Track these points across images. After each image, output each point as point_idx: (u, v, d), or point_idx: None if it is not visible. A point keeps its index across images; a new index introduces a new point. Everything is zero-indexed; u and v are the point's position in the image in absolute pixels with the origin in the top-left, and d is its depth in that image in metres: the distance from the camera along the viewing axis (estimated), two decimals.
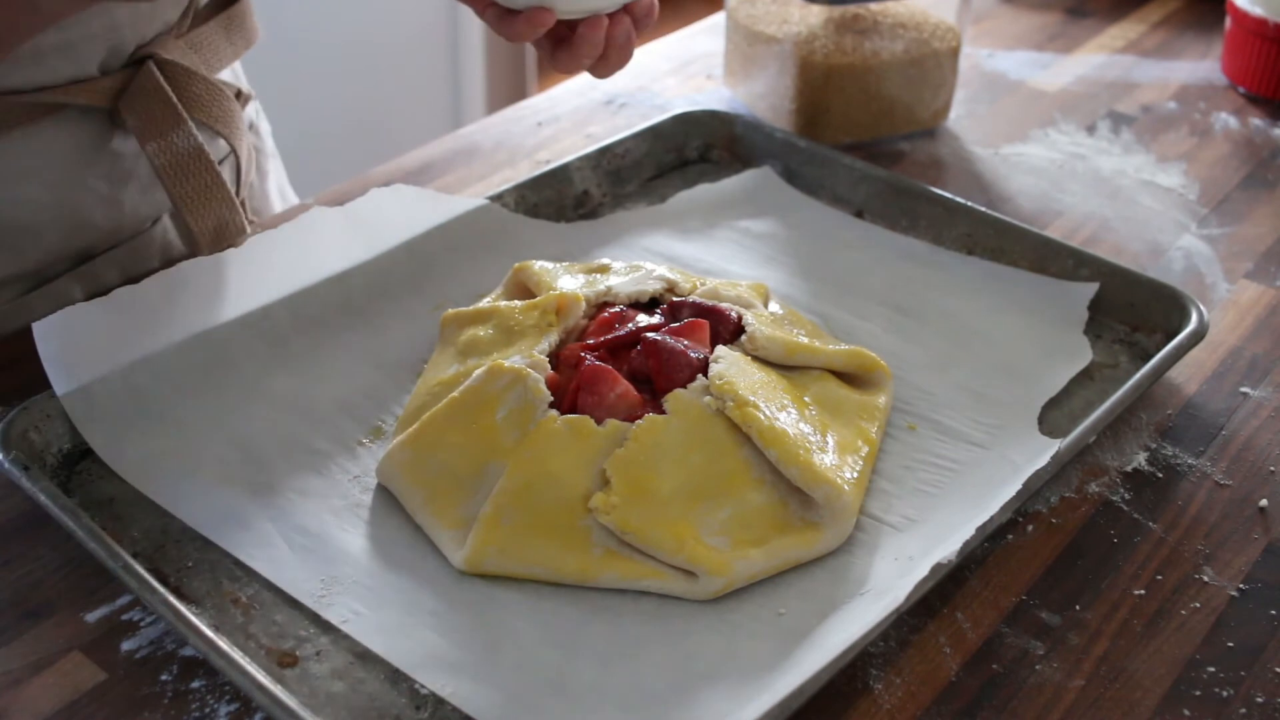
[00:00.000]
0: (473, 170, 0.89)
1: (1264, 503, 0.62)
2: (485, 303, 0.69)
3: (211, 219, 0.72)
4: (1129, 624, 0.56)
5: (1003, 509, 0.55)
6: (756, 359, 0.62)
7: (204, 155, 0.71)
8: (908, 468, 0.62)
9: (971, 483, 0.61)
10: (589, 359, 0.61)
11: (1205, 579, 0.58)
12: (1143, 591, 0.57)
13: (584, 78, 1.02)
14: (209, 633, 0.50)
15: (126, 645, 0.53)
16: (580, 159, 0.83)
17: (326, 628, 0.53)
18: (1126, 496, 0.62)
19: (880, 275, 0.76)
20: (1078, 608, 0.56)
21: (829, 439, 0.60)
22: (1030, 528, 0.60)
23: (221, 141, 0.75)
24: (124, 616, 0.54)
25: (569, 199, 0.82)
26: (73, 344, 0.62)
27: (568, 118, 0.96)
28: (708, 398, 0.58)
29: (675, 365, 0.60)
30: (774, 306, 0.69)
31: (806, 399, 0.62)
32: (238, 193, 0.77)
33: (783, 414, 0.59)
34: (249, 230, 0.74)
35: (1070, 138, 0.96)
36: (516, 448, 0.57)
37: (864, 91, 0.90)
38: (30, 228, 0.71)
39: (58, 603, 0.55)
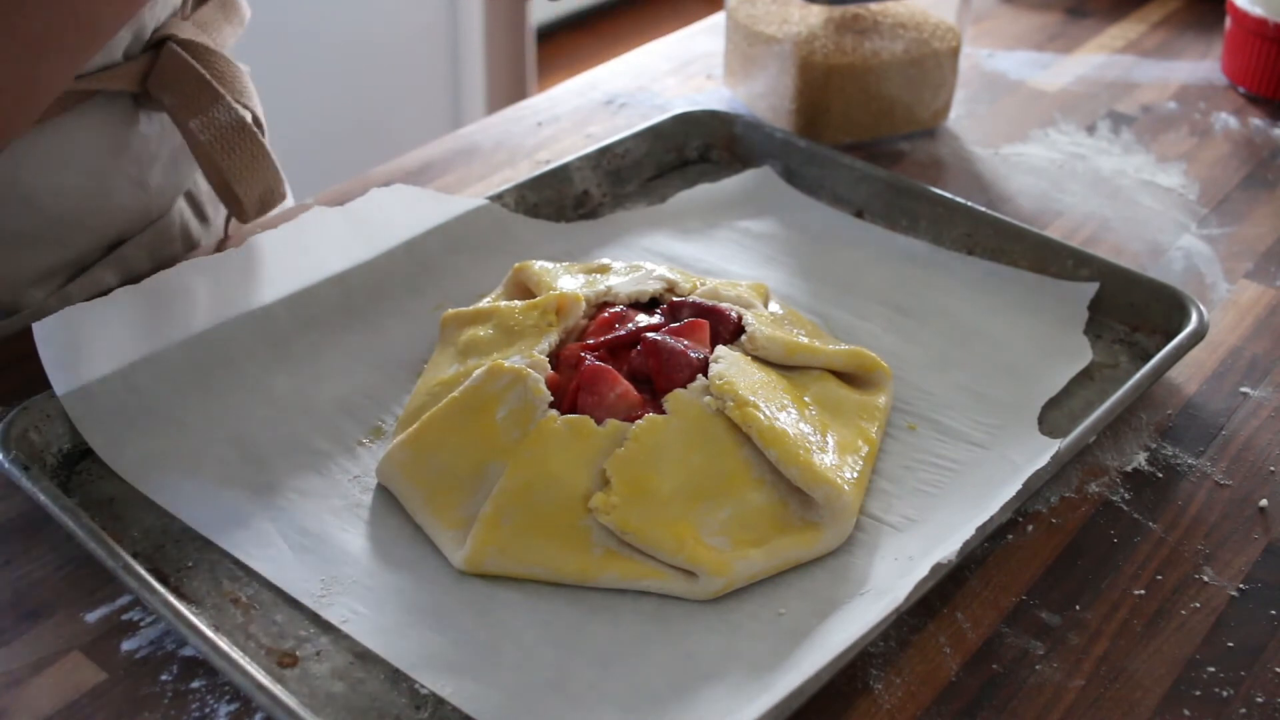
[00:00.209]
0: (473, 170, 0.89)
1: (1264, 503, 0.62)
2: (485, 303, 0.69)
3: (258, 188, 0.73)
4: (1129, 624, 0.56)
5: (1003, 509, 0.55)
6: (756, 359, 0.62)
7: (247, 126, 0.72)
8: (908, 468, 0.62)
9: (971, 483, 0.61)
10: (589, 359, 0.61)
11: (1205, 579, 0.58)
12: (1143, 591, 0.57)
13: (584, 77, 1.02)
14: (209, 633, 0.50)
15: (126, 645, 0.53)
16: (580, 159, 0.83)
17: (326, 628, 0.53)
18: (1126, 496, 0.62)
19: (880, 275, 0.76)
20: (1078, 608, 0.56)
21: (829, 439, 0.60)
22: (1030, 528, 0.60)
23: (245, 113, 0.77)
24: (124, 616, 0.54)
25: (569, 199, 0.82)
26: (73, 344, 0.62)
27: (568, 118, 0.96)
28: (708, 398, 0.58)
29: (675, 365, 0.60)
30: (774, 306, 0.69)
31: (806, 399, 0.62)
32: None
33: (783, 414, 0.59)
34: (289, 197, 0.75)
35: (1070, 138, 0.96)
36: (516, 448, 0.57)
37: (864, 91, 0.91)
38: (70, 217, 0.72)
39: (58, 603, 0.55)
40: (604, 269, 0.70)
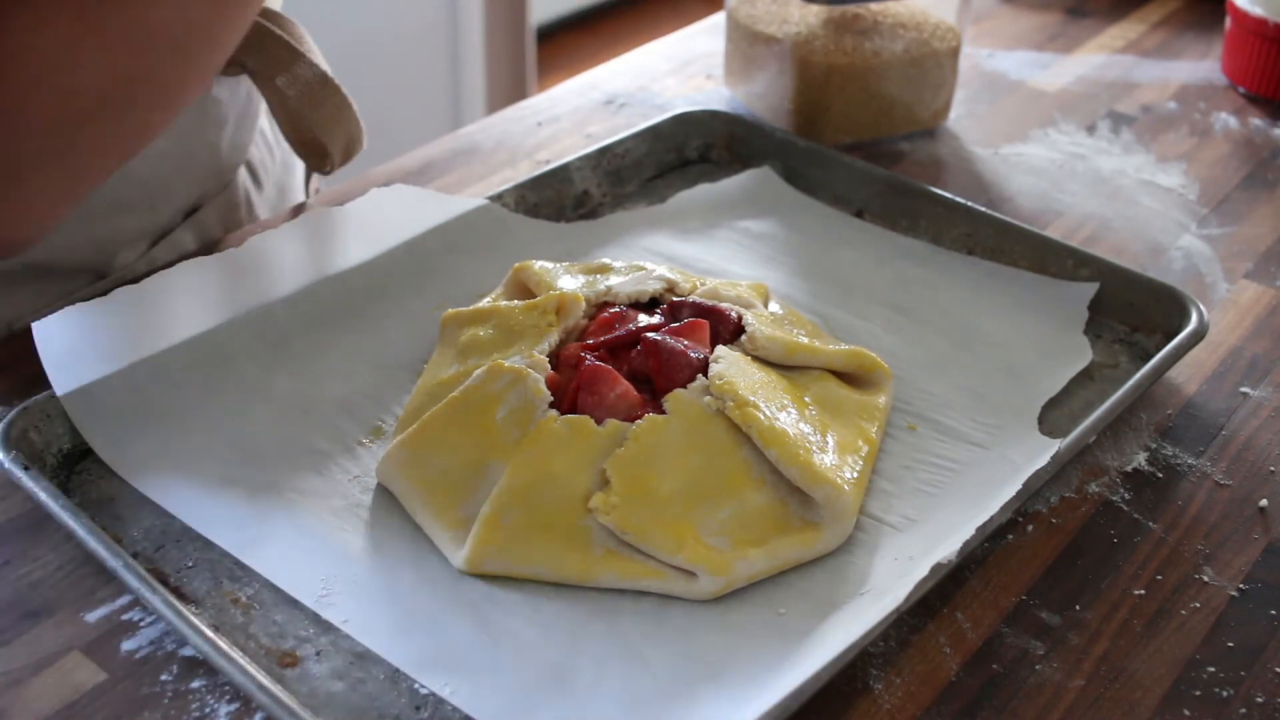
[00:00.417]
0: (473, 170, 0.89)
1: (1264, 503, 0.62)
2: (485, 303, 0.69)
3: (343, 137, 0.78)
4: (1129, 624, 0.56)
5: (1003, 509, 0.55)
6: (756, 359, 0.62)
7: (329, 80, 0.75)
8: (908, 468, 0.62)
9: (971, 483, 0.61)
10: (589, 359, 0.61)
11: (1205, 579, 0.58)
12: (1143, 591, 0.57)
13: (584, 77, 1.02)
14: (209, 633, 0.50)
15: (126, 645, 0.53)
16: (580, 159, 0.83)
17: (326, 628, 0.53)
18: (1126, 496, 0.62)
19: (880, 275, 0.76)
20: (1078, 608, 0.56)
21: (829, 439, 0.60)
22: (1030, 528, 0.60)
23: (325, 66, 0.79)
24: (124, 616, 0.54)
25: (569, 199, 0.82)
26: (73, 344, 0.62)
27: (568, 118, 0.96)
28: (708, 398, 0.58)
29: (675, 365, 0.60)
30: (774, 306, 0.69)
31: (806, 399, 0.62)
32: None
33: (783, 414, 0.59)
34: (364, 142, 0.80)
35: (1070, 138, 0.96)
36: (516, 448, 0.57)
37: (864, 91, 0.90)
38: (160, 182, 0.75)
39: (58, 603, 0.55)
40: (604, 269, 0.70)
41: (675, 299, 0.66)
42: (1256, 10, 0.99)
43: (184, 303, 0.65)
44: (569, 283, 0.68)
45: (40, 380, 0.61)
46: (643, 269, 0.69)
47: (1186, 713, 0.52)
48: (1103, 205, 0.87)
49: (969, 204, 0.79)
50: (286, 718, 0.47)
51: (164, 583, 0.55)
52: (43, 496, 0.56)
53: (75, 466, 0.61)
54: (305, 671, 0.52)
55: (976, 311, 0.73)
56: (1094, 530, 0.60)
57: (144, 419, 0.62)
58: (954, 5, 0.92)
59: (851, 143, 0.93)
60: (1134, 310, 0.72)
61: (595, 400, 0.59)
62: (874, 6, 0.91)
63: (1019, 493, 0.56)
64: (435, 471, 0.58)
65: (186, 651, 0.53)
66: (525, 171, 0.88)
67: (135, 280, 0.64)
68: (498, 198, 0.78)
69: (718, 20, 1.11)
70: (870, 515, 0.59)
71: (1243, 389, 0.70)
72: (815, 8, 0.90)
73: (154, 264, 0.77)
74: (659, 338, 0.61)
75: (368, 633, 0.53)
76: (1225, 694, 0.52)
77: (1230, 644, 0.55)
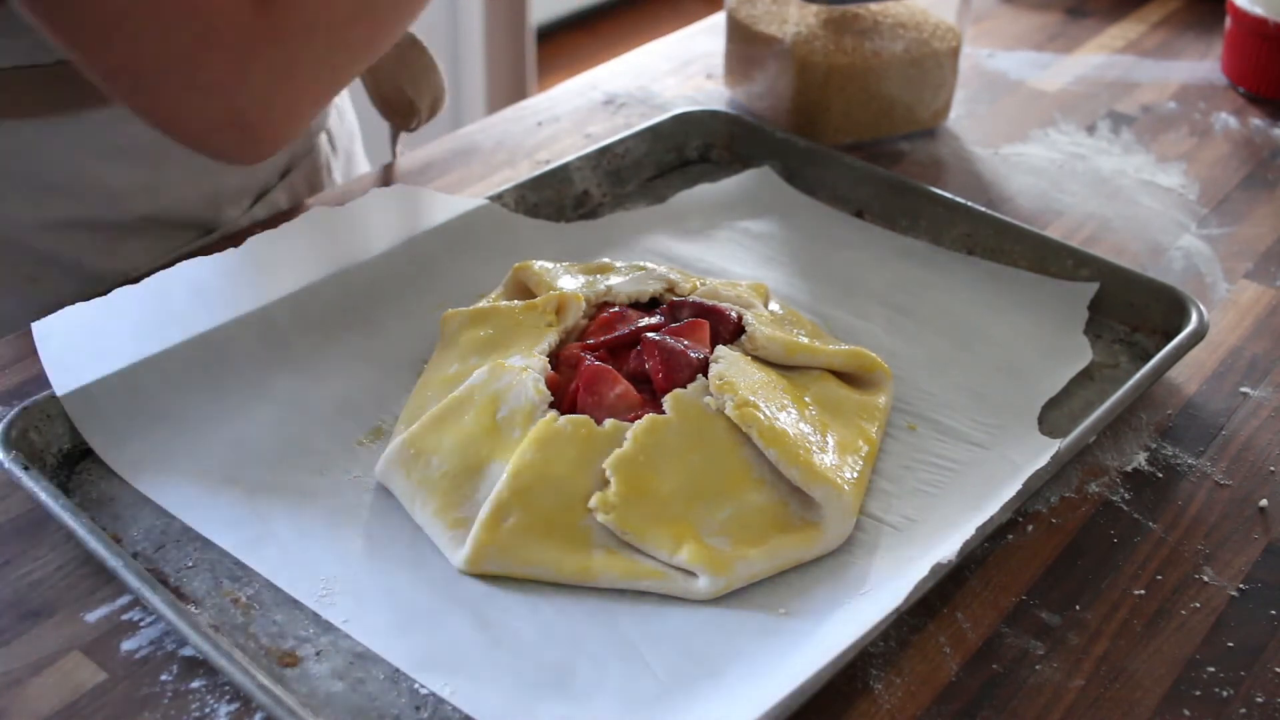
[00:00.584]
0: (473, 170, 0.89)
1: (1264, 503, 0.62)
2: (485, 303, 0.69)
3: (429, 94, 0.84)
4: (1129, 624, 0.56)
5: (1003, 509, 0.55)
6: (756, 359, 0.62)
7: (416, 40, 0.81)
8: (908, 468, 0.62)
9: (971, 483, 0.61)
10: (589, 359, 0.61)
11: (1205, 579, 0.58)
12: (1143, 591, 0.57)
13: (584, 77, 1.02)
14: (209, 632, 0.50)
15: (126, 645, 0.53)
16: (580, 159, 0.83)
17: (326, 628, 0.53)
18: (1126, 496, 0.62)
19: (880, 275, 0.76)
20: (1078, 608, 0.56)
21: (829, 439, 0.60)
22: (1030, 528, 0.60)
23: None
24: (124, 616, 0.54)
25: (569, 199, 0.82)
26: (73, 344, 0.62)
27: (568, 118, 0.96)
28: (708, 398, 0.58)
29: (675, 365, 0.60)
30: (774, 306, 0.69)
31: (806, 399, 0.62)
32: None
33: (783, 414, 0.59)
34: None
35: (1070, 138, 0.96)
36: (516, 447, 0.57)
37: (864, 91, 0.90)
38: None
39: (58, 603, 0.55)
40: (604, 269, 0.70)
41: (675, 299, 0.66)
42: (1256, 10, 0.99)
43: (184, 303, 0.65)
44: (569, 283, 0.68)
45: (40, 380, 0.61)
46: (643, 269, 0.69)
47: (1186, 713, 0.52)
48: (1103, 205, 0.87)
49: (969, 204, 0.79)
50: (287, 718, 0.47)
51: (164, 583, 0.55)
52: (43, 496, 0.56)
53: (75, 466, 0.61)
54: (305, 671, 0.52)
55: (976, 311, 0.73)
56: (1094, 530, 0.60)
57: (144, 419, 0.62)
58: (954, 5, 0.92)
59: (851, 143, 0.93)
60: (1134, 310, 0.72)
61: (595, 400, 0.59)
62: (874, 6, 0.91)
63: (1019, 493, 0.56)
64: (435, 471, 0.58)
65: (186, 651, 0.53)
66: (525, 171, 0.88)
67: (237, 239, 0.66)
68: (498, 198, 0.78)
69: (718, 20, 1.11)
70: (870, 515, 0.59)
71: (1243, 389, 0.70)
72: (815, 8, 0.90)
73: (255, 219, 0.81)
74: (659, 338, 0.61)
75: (368, 633, 0.53)
76: (1225, 694, 0.53)
77: (1230, 644, 0.55)
